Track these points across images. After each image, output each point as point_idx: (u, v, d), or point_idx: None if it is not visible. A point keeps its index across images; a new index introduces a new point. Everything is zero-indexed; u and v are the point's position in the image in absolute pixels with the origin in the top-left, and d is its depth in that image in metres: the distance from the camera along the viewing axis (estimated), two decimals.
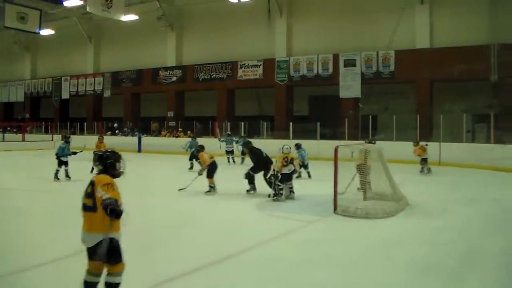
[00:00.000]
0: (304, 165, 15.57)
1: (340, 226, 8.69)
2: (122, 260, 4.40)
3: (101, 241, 4.27)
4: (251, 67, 28.52)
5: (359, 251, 6.93)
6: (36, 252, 6.62)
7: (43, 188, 13.35)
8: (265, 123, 26.69)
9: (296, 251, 6.95)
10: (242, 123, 27.11)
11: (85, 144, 18.80)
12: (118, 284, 4.43)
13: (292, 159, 11.23)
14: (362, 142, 14.65)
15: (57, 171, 14.56)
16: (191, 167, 18.40)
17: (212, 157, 12.21)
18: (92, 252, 4.34)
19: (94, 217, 4.33)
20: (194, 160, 17.79)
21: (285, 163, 11.01)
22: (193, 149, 17.56)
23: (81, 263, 4.63)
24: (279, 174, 10.92)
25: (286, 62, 27.31)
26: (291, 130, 24.58)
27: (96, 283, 4.42)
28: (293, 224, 8.73)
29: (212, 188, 11.97)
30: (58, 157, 14.68)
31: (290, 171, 11.15)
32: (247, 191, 11.99)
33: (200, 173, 12.29)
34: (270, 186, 11.06)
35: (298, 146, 15.65)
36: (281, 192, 10.96)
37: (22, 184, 14.27)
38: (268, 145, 21.65)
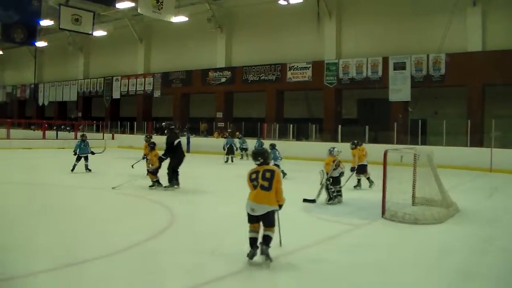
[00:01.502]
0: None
1: (388, 231, 8.69)
2: (274, 225, 6.27)
3: (269, 211, 6.18)
4: (300, 69, 29.13)
5: (406, 257, 6.94)
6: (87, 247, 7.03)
7: (92, 185, 13.99)
8: (314, 125, 27.33)
9: (342, 254, 6.98)
10: (291, 125, 27.85)
11: (105, 147, 20.15)
12: (271, 238, 6.21)
13: (339, 162, 11.23)
14: (413, 146, 14.34)
15: (75, 165, 16.15)
16: (227, 161, 22.58)
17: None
18: (258, 218, 6.22)
19: (268, 195, 6.17)
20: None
21: (335, 166, 11.04)
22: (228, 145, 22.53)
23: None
24: (330, 178, 10.96)
25: (335, 64, 27.80)
26: (340, 133, 25.07)
27: (257, 238, 6.24)
28: (341, 228, 8.72)
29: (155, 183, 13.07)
30: (75, 153, 16.33)
31: (339, 174, 11.19)
32: (165, 187, 12.74)
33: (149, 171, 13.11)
34: (326, 191, 11.00)
35: (272, 147, 15.95)
36: (335, 194, 11.04)
37: (73, 181, 14.96)
38: (316, 148, 22.50)
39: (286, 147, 22.33)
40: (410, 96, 25.18)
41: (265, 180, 6.21)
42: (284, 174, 15.26)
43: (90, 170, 16.26)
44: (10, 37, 31.05)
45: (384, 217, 9.44)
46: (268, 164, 6.54)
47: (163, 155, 12.82)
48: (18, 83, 52.19)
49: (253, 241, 6.22)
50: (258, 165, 6.42)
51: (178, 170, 13.05)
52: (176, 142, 12.99)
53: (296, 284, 5.71)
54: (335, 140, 24.34)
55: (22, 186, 13.32)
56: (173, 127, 14.26)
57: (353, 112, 29.00)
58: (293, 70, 29.43)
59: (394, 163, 10.23)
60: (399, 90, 25.37)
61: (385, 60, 26.05)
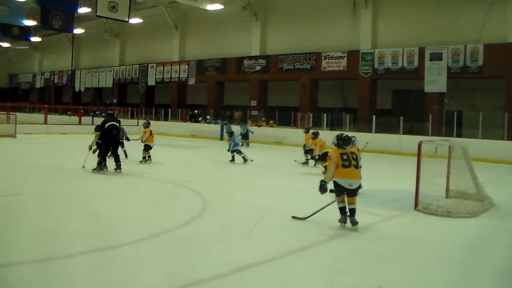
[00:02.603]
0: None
1: (420, 223, 8.74)
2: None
3: (360, 184, 8.02)
4: (335, 59, 29.42)
5: (437, 250, 6.97)
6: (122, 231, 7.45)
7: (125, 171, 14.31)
8: (348, 115, 27.60)
9: (374, 245, 7.07)
10: (325, 115, 28.21)
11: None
12: (355, 209, 7.85)
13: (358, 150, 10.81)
14: (448, 138, 14.24)
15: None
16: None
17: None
18: (353, 191, 7.85)
19: (358, 172, 7.94)
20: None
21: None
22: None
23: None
24: None
25: (371, 54, 28.00)
26: (374, 123, 25.26)
27: (345, 207, 7.88)
28: (372, 219, 8.71)
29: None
30: None
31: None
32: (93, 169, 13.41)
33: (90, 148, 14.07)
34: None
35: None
36: None
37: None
38: None
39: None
40: (446, 88, 25.20)
41: (355, 160, 7.88)
42: (245, 160, 16.55)
43: (126, 156, 16.67)
44: (49, 24, 31.92)
45: (417, 209, 9.52)
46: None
47: (98, 139, 13.69)
48: (56, 69, 54.02)
49: (343, 210, 7.90)
50: (344, 148, 8.04)
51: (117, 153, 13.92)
52: (106, 125, 13.52)
53: (325, 273, 5.81)
54: (369, 131, 24.57)
55: (57, 171, 14.00)
56: (110, 112, 15.96)
57: (388, 102, 29.13)
58: (328, 59, 29.72)
59: (428, 154, 10.21)
60: (435, 81, 25.44)
61: (421, 51, 26.07)
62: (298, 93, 31.63)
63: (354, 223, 7.71)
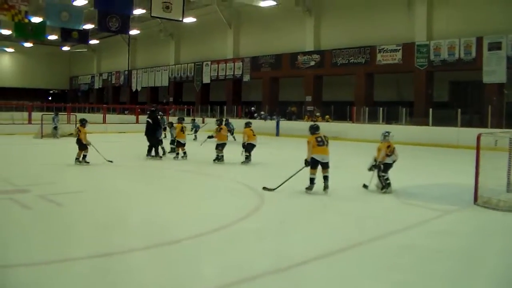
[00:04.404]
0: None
1: (479, 218, 8.69)
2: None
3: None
4: (390, 52, 29.70)
5: (497, 246, 6.93)
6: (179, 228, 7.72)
7: (179, 167, 15.29)
8: (404, 109, 27.76)
9: (431, 241, 7.09)
10: (381, 109, 28.57)
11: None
12: (328, 176, 10.56)
13: (394, 148, 11.01)
14: (508, 130, 14.32)
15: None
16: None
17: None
18: (325, 164, 10.54)
19: (327, 149, 10.62)
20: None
21: (389, 153, 10.85)
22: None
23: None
24: (381, 165, 10.84)
25: (426, 46, 28.10)
26: (431, 116, 25.40)
27: (314, 178, 10.55)
28: (429, 214, 8.79)
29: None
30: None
31: (392, 161, 10.92)
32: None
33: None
34: (378, 178, 10.93)
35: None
36: (388, 182, 10.78)
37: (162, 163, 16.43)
38: (406, 131, 22.99)
39: (374, 129, 23.18)
40: (506, 78, 24.96)
41: (326, 141, 10.71)
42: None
43: (164, 153, 17.68)
44: (106, 26, 33.35)
45: (476, 204, 9.45)
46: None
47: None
48: (113, 70, 56.70)
49: (312, 180, 10.56)
50: (318, 133, 10.78)
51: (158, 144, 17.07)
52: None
53: (381, 269, 5.89)
54: (426, 124, 24.77)
55: (115, 168, 14.81)
56: (151, 109, 18.78)
57: (445, 95, 29.12)
58: (383, 52, 30.04)
59: (487, 147, 10.09)
60: (494, 71, 25.29)
61: (479, 41, 25.88)
62: (353, 87, 32.08)
63: (326, 187, 10.49)
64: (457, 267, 6.02)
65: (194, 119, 30.41)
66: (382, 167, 10.79)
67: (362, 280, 5.52)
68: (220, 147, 15.99)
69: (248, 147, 15.87)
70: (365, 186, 11.07)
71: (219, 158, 15.93)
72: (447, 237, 7.39)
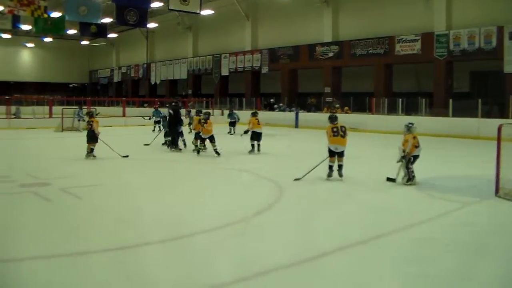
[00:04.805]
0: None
1: (501, 211, 8.67)
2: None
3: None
4: (409, 42, 29.61)
5: None
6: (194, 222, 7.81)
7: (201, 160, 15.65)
8: (424, 99, 27.64)
9: (450, 233, 7.14)
10: (400, 100, 28.52)
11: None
12: (342, 165, 11.45)
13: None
14: None
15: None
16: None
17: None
18: (340, 153, 11.31)
19: (344, 140, 11.39)
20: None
21: (417, 144, 10.87)
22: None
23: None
24: (410, 157, 10.77)
25: (446, 36, 27.94)
26: (451, 107, 25.31)
27: (333, 165, 11.36)
28: (450, 205, 8.84)
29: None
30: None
31: (419, 153, 10.94)
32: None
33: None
34: (405, 170, 10.83)
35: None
36: (413, 174, 10.78)
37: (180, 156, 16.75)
38: (426, 122, 23.01)
39: (394, 120, 23.24)
40: None
41: (342, 132, 11.36)
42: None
43: (185, 145, 18.10)
44: (124, 20, 33.72)
45: (498, 196, 9.41)
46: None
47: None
48: (132, 63, 57.23)
49: (331, 167, 11.37)
50: (335, 124, 11.51)
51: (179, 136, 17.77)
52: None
53: (398, 261, 5.98)
54: (446, 115, 24.74)
55: (132, 161, 15.03)
56: (174, 103, 19.54)
57: (465, 85, 28.99)
58: (402, 43, 29.96)
59: (509, 138, 9.97)
60: None
61: (500, 30, 25.59)
62: (372, 78, 32.08)
63: (340, 175, 11.36)
64: (477, 261, 6.03)
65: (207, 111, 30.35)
66: (412, 159, 10.77)
67: (380, 273, 5.62)
68: (203, 140, 16.46)
69: (253, 135, 16.57)
70: (390, 179, 11.06)
71: (198, 151, 16.55)
72: (468, 229, 7.43)
